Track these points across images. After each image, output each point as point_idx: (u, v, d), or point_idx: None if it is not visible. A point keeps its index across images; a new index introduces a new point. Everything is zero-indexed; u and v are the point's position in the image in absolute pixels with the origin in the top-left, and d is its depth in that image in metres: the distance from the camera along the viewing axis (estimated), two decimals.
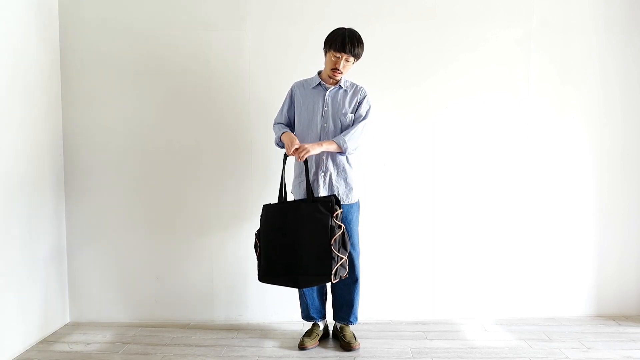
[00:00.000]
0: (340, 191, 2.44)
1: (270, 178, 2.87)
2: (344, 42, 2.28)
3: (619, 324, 2.86)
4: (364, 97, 2.47)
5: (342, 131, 2.43)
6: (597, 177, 2.97)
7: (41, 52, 2.68)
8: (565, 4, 2.90)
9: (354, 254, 2.47)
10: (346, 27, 2.36)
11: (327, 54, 2.37)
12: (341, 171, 2.45)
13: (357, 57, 2.35)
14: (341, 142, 2.36)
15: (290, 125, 2.55)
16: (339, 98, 2.45)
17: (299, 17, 2.86)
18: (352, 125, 2.43)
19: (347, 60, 2.33)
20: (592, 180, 2.97)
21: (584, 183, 2.97)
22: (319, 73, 2.49)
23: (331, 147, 2.36)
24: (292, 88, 2.54)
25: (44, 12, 2.71)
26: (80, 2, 2.85)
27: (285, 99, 2.56)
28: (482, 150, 2.93)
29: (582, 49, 2.92)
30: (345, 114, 2.43)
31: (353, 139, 2.37)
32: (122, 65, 2.87)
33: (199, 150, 2.90)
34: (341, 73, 2.38)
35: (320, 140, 2.41)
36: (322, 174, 2.43)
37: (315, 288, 2.54)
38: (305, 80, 2.52)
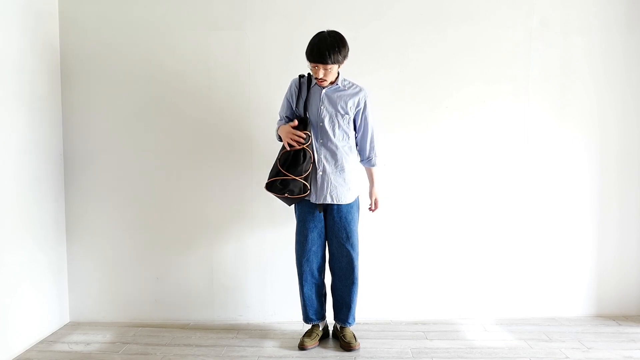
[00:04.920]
0: (339, 191, 2.42)
1: None
2: (312, 53, 2.25)
3: (619, 324, 2.86)
4: (366, 101, 2.46)
5: (336, 130, 2.40)
6: (597, 177, 2.97)
7: (41, 52, 2.68)
8: (565, 4, 2.90)
9: (354, 255, 2.47)
10: (325, 30, 2.30)
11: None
12: (340, 171, 2.43)
13: (335, 62, 2.25)
14: (375, 163, 2.55)
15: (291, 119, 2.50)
16: (335, 97, 2.41)
17: (300, 17, 2.86)
18: (365, 136, 2.50)
19: (325, 69, 2.26)
20: (591, 181, 2.97)
21: (584, 183, 2.97)
22: None
23: (376, 176, 2.59)
24: (293, 82, 2.48)
25: (44, 12, 2.71)
26: (80, 2, 2.85)
27: (285, 99, 2.51)
28: (482, 150, 2.94)
29: (582, 49, 2.92)
30: (342, 115, 2.41)
31: (377, 150, 2.54)
32: (122, 65, 2.86)
33: (199, 150, 2.90)
34: (325, 80, 2.34)
35: (317, 139, 2.41)
36: (320, 172, 2.41)
37: (314, 289, 2.54)
38: (308, 75, 2.47)
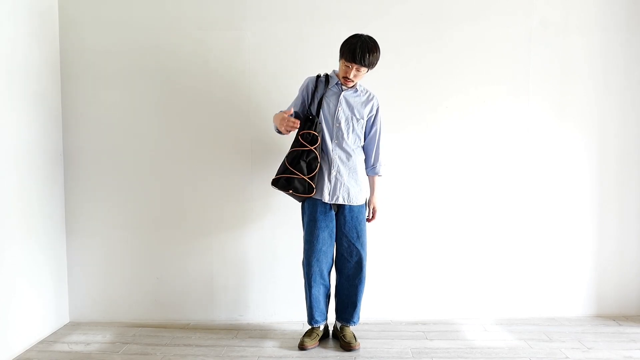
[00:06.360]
0: (352, 192, 2.44)
1: (270, 177, 2.85)
2: (354, 53, 2.25)
3: (619, 324, 2.86)
4: (378, 109, 2.51)
5: (350, 133, 2.43)
6: (597, 177, 2.97)
7: (41, 52, 2.67)
8: (565, 4, 2.91)
9: (363, 254, 2.48)
10: (363, 33, 2.32)
11: (340, 61, 2.37)
12: (352, 172, 2.45)
13: (369, 66, 2.32)
14: (380, 172, 2.56)
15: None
16: (352, 102, 2.45)
17: (300, 17, 2.86)
18: (371, 144, 2.53)
19: (358, 70, 2.32)
20: (591, 181, 2.97)
21: (584, 183, 2.98)
22: (334, 72, 2.48)
23: (378, 185, 2.59)
24: (309, 81, 2.47)
25: (44, 13, 2.71)
26: (80, 2, 2.85)
27: (299, 95, 2.50)
28: (482, 150, 2.94)
29: (582, 49, 2.92)
30: (357, 119, 2.45)
31: (382, 159, 2.56)
32: (122, 65, 2.86)
33: (199, 150, 2.90)
34: (352, 81, 2.38)
35: (331, 139, 2.42)
36: (334, 172, 2.42)
37: (321, 290, 2.53)
38: (325, 75, 2.47)
